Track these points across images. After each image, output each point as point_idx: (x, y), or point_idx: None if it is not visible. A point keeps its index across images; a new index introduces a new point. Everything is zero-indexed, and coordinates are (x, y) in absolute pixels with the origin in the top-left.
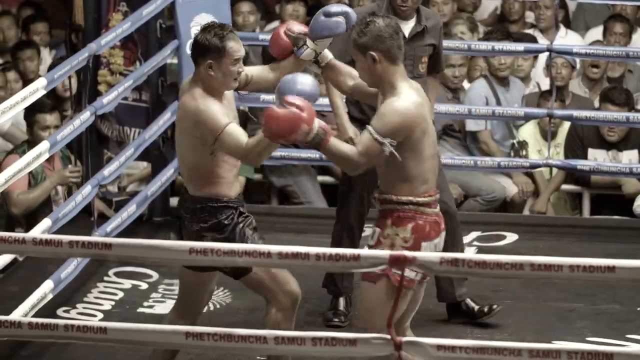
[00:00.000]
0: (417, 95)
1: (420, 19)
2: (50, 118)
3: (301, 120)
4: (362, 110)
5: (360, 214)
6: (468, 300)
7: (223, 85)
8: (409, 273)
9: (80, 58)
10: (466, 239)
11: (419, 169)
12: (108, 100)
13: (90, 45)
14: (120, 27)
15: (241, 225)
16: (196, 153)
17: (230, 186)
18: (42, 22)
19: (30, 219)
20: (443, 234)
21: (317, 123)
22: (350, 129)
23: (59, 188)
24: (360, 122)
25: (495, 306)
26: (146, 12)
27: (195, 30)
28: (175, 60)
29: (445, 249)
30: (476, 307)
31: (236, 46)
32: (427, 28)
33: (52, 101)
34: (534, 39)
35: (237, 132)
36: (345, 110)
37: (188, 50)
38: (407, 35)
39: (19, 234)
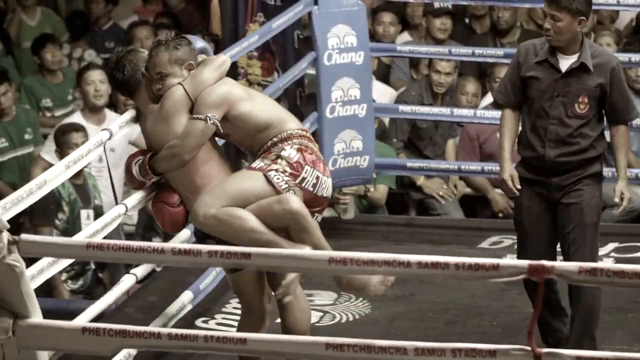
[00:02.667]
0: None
1: (582, 55)
2: None
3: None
4: (532, 147)
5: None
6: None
7: None
8: (279, 180)
9: None
10: (603, 250)
11: (274, 112)
12: None
13: None
14: (247, 41)
15: None
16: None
17: None
18: (144, 26)
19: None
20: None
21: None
22: (507, 171)
23: None
24: (526, 162)
25: None
26: (275, 25)
27: (332, 41)
28: (313, 71)
29: None
30: None
31: None
32: (591, 66)
33: None
34: None
35: None
36: (509, 152)
37: (326, 62)
38: (563, 69)
39: (158, 244)
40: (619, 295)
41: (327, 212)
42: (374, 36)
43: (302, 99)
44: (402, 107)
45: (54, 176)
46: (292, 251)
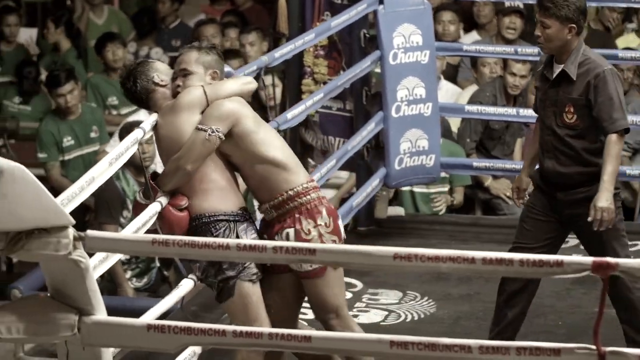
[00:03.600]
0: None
1: (567, 64)
2: None
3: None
4: (540, 157)
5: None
6: None
7: None
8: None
9: (248, 70)
10: None
11: (284, 154)
12: (292, 115)
13: (262, 58)
14: (302, 39)
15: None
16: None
17: (223, 200)
18: (211, 24)
19: None
20: None
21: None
22: (516, 181)
23: None
24: (545, 175)
25: None
26: (334, 23)
27: (398, 40)
28: (379, 69)
29: None
30: None
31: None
32: (573, 75)
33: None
34: None
35: None
36: (528, 161)
37: (391, 61)
38: (551, 79)
39: (223, 240)
40: None
41: (394, 211)
42: (436, 35)
43: (368, 98)
44: (468, 107)
45: (100, 173)
46: (357, 247)
